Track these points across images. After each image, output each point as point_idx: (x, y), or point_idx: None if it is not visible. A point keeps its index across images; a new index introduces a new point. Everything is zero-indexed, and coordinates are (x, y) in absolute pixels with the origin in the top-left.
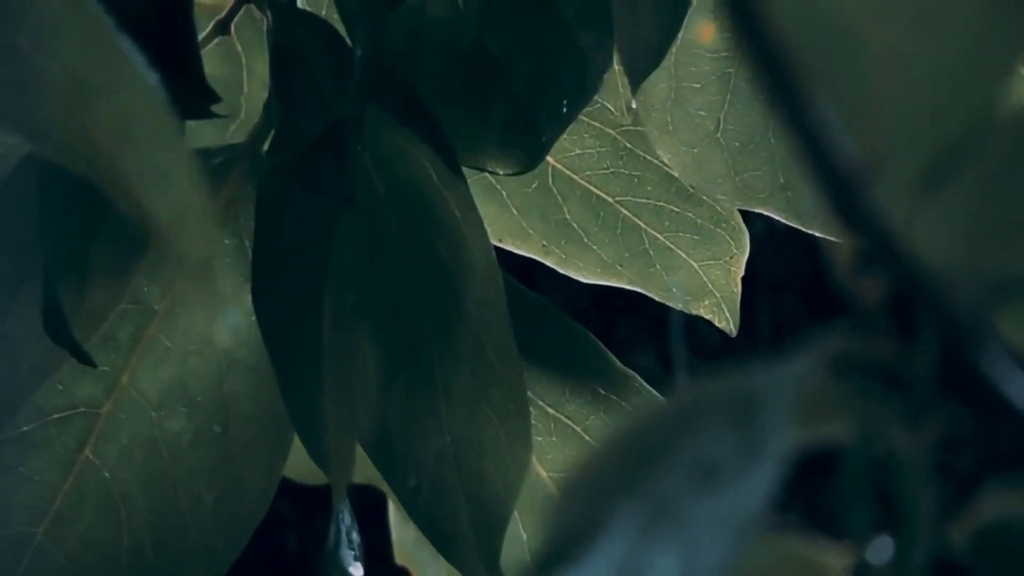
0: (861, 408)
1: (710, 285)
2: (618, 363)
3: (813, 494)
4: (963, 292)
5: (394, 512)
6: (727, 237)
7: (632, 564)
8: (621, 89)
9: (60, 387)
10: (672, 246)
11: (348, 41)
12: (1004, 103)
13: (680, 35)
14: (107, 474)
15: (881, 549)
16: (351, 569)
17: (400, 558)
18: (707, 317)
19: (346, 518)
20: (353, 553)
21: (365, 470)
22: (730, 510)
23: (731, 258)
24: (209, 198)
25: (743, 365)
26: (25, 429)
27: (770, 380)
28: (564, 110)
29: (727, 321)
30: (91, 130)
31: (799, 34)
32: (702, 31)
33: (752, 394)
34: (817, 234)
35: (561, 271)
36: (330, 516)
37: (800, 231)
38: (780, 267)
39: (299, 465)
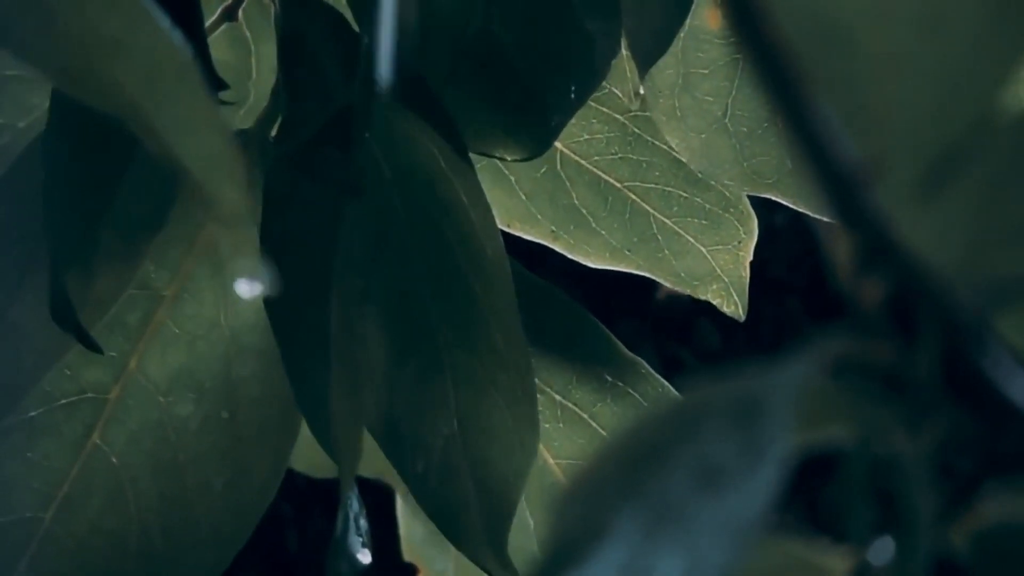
0: (862, 410)
1: (718, 270)
2: (625, 350)
3: (814, 496)
4: (964, 293)
5: (402, 507)
6: (735, 222)
7: (635, 567)
8: (629, 75)
9: (68, 372)
10: (680, 231)
11: (356, 28)
12: (1005, 105)
13: (688, 21)
14: (115, 459)
15: (882, 551)
16: (359, 556)
17: (408, 554)
18: (715, 302)
19: (354, 505)
20: (361, 540)
21: (374, 464)
22: (732, 513)
23: (739, 243)
24: (237, 148)
25: (743, 366)
26: (33, 414)
27: (771, 382)
28: (572, 96)
29: (735, 306)
30: (120, 82)
31: (801, 35)
32: (710, 17)
33: (753, 396)
34: (824, 219)
35: (570, 256)
36: (330, 515)
37: (800, 232)
38: (781, 268)
39: (307, 457)
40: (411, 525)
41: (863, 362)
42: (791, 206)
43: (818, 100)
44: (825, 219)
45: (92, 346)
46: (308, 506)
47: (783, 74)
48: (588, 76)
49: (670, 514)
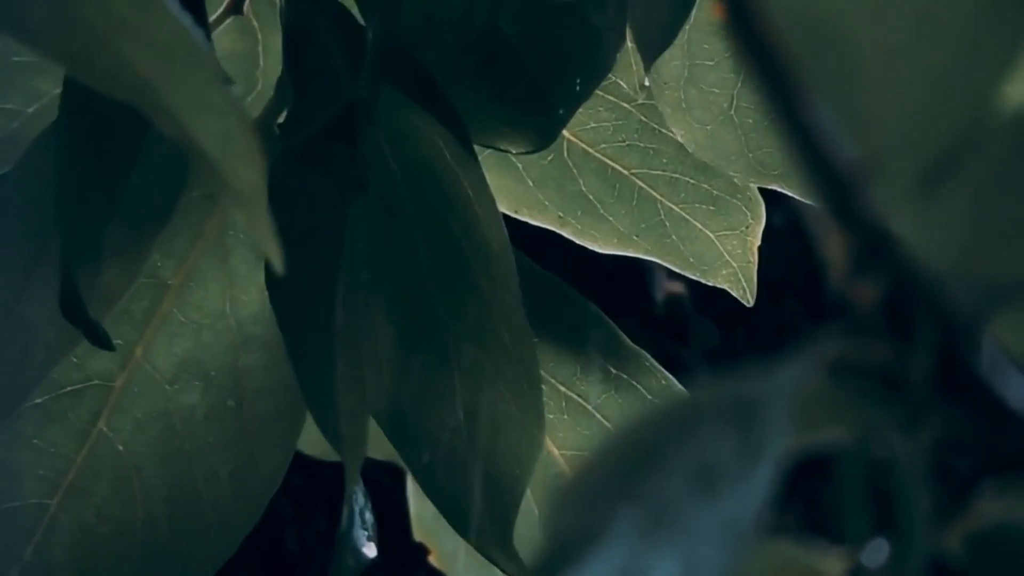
0: (859, 411)
1: (726, 255)
2: (629, 342)
3: (811, 497)
4: (960, 294)
5: (412, 488)
6: (743, 207)
7: (632, 567)
8: (634, 67)
9: (75, 360)
10: (688, 217)
11: (361, 21)
12: (1001, 105)
13: (693, 13)
14: (121, 447)
15: (878, 552)
16: (364, 549)
17: (418, 534)
18: (724, 287)
19: (359, 499)
20: (366, 533)
21: (384, 446)
22: (729, 514)
23: (747, 228)
24: (251, 126)
25: (742, 366)
26: (39, 401)
27: (768, 384)
28: (577, 88)
29: (744, 291)
30: (132, 64)
31: (797, 35)
32: (715, 9)
33: (750, 398)
34: (823, 218)
35: (578, 241)
36: (330, 514)
37: (800, 232)
38: (780, 268)
39: (314, 442)
40: (421, 505)
41: (860, 363)
42: (796, 197)
43: (814, 100)
44: (824, 218)
45: (103, 342)
46: (308, 505)
47: (780, 74)
48: (594, 69)
49: (667, 515)
